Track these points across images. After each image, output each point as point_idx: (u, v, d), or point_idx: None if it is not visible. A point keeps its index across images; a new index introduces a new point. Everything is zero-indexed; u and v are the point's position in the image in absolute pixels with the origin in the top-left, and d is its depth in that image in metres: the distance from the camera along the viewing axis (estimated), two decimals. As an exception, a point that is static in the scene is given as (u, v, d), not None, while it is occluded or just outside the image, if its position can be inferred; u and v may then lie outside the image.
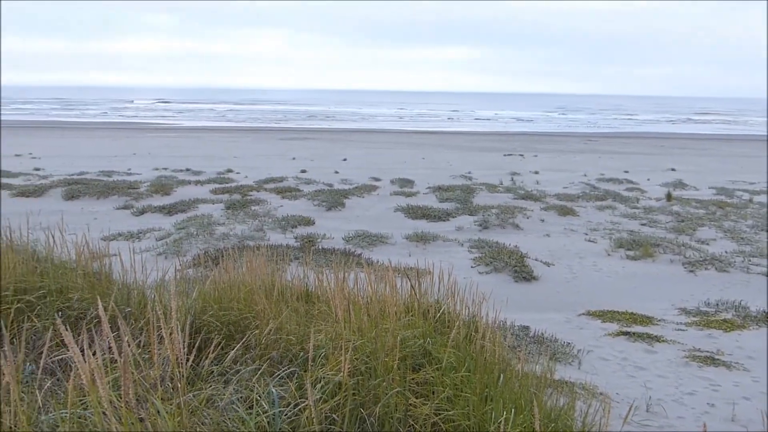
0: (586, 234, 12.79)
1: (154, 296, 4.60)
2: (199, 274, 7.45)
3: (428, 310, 4.21)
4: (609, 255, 11.18)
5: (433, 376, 2.86)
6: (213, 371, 3.26)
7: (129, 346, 2.20)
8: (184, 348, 2.39)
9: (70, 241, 4.85)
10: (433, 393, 2.82)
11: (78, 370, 1.96)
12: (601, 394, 5.32)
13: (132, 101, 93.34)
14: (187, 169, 19.64)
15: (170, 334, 2.28)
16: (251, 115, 66.54)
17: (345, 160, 23.78)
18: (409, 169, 21.19)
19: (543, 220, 13.89)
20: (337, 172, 19.96)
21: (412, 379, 2.89)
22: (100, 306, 2.07)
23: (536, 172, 21.52)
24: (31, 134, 34.05)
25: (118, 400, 1.98)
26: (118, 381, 2.44)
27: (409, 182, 18.14)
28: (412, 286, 3.64)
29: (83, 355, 2.12)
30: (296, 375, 3.13)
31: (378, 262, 9.93)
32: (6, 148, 24.24)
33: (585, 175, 20.90)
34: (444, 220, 13.72)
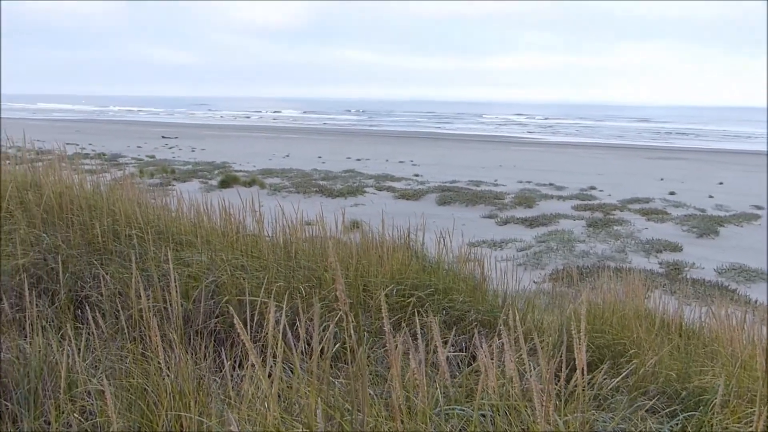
0: None
1: (525, 307, 4.73)
2: (558, 290, 7.48)
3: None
4: None
5: None
6: (583, 393, 3.22)
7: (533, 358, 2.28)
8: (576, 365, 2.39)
9: (453, 245, 5.25)
10: None
11: (484, 370, 2.08)
12: None
13: (481, 115, 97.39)
14: (550, 184, 19.86)
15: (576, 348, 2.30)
16: (612, 131, 64.50)
17: (721, 183, 21.60)
18: (803, 200, 18.35)
19: None
20: (711, 197, 18.24)
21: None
22: (514, 316, 2.18)
23: None
24: (413, 143, 38.02)
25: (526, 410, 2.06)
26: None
27: (802, 214, 15.73)
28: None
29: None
30: (679, 416, 2.92)
31: (756, 301, 8.85)
32: (392, 155, 27.48)
33: None
34: None
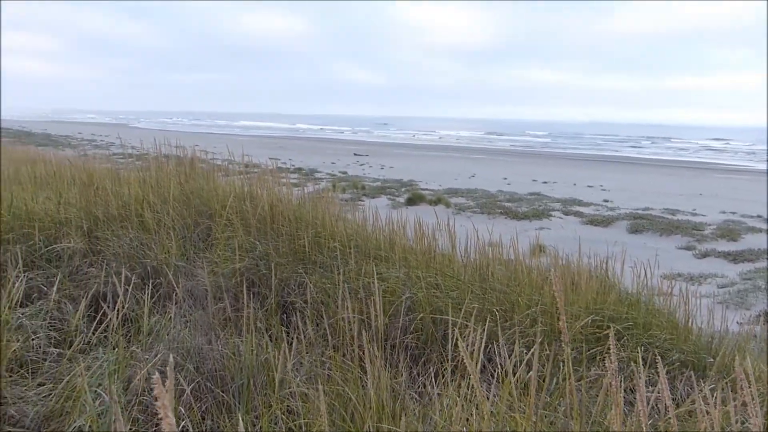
0: None
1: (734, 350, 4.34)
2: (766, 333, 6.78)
3: None
4: None
5: None
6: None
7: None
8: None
9: (651, 277, 4.95)
10: None
11: (703, 418, 1.94)
12: None
13: (669, 139, 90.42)
14: (758, 216, 18.10)
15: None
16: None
17: None
18: None
19: None
20: None
21: None
22: (745, 364, 2.01)
23: None
24: (601, 167, 36.56)
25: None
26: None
27: None
28: None
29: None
30: None
31: None
32: (580, 179, 26.62)
33: None
34: None
